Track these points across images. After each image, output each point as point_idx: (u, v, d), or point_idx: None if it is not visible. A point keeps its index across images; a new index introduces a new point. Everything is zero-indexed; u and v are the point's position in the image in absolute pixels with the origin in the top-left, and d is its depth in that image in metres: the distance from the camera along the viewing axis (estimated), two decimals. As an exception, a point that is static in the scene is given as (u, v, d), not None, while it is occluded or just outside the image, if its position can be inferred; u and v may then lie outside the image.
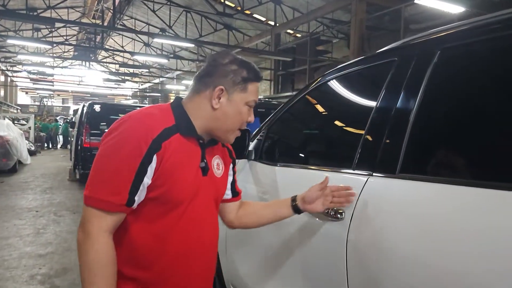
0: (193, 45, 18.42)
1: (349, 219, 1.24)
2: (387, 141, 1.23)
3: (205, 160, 1.15)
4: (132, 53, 16.69)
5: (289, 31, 16.62)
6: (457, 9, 7.78)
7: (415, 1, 7.12)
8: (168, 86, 29.30)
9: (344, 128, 1.70)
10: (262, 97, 15.70)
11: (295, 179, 1.66)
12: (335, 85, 1.73)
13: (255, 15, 16.37)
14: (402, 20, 10.31)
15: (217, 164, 1.24)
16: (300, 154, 1.94)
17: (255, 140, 2.03)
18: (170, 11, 17.15)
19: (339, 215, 1.28)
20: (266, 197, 1.78)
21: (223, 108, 1.13)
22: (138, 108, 1.66)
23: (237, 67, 1.13)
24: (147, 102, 33.01)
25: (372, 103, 1.37)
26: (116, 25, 15.47)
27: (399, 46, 1.42)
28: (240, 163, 2.05)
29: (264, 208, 1.42)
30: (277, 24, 15.15)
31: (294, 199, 1.37)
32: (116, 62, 26.34)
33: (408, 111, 1.20)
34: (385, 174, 1.21)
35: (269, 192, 1.78)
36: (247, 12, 15.46)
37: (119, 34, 22.83)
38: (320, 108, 1.91)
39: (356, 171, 1.33)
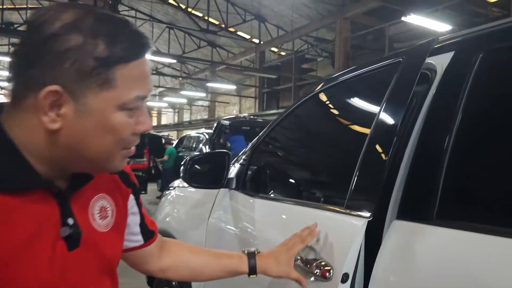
0: (175, 61, 18.16)
1: (349, 280, 0.89)
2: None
3: (71, 221, 0.65)
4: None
5: (273, 49, 16.56)
6: (443, 27, 7.72)
7: (402, 19, 7.00)
8: (149, 103, 28.78)
9: (335, 153, 1.38)
10: (246, 114, 15.51)
11: (289, 216, 1.31)
12: (325, 99, 1.42)
13: (239, 33, 16.28)
14: (387, 39, 10.26)
15: (100, 210, 0.73)
16: (294, 185, 1.58)
17: (238, 165, 1.67)
18: (153, 27, 16.91)
19: (327, 274, 0.94)
20: (250, 238, 1.42)
21: (72, 128, 0.60)
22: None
23: (83, 39, 0.57)
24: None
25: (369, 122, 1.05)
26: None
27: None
28: (219, 193, 1.68)
29: (204, 257, 0.99)
30: (262, 42, 15.05)
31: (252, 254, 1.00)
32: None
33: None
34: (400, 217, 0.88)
35: (254, 231, 1.42)
36: (231, 29, 15.34)
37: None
38: (314, 126, 1.58)
39: (347, 211, 1.00)
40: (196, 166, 1.62)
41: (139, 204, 0.88)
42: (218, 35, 15.12)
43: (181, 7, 14.27)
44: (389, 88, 1.06)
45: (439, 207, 0.87)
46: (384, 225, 0.96)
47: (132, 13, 16.29)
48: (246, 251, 1.01)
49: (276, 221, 1.36)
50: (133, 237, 0.87)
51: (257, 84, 15.81)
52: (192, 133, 10.40)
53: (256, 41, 15.36)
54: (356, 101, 1.43)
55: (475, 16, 10.38)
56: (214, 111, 20.26)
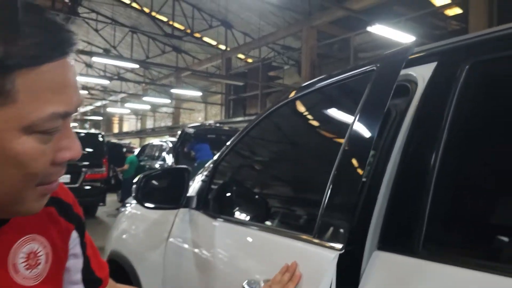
0: (138, 66, 17.66)
1: None
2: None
3: None
4: (71, 73, 15.53)
5: (240, 56, 16.47)
6: (407, 39, 7.90)
7: (367, 29, 7.09)
8: (110, 110, 27.83)
9: (304, 172, 1.24)
10: (212, 122, 15.28)
11: (254, 244, 1.16)
12: (299, 109, 1.28)
13: (205, 39, 16.07)
14: (352, 48, 10.43)
15: (27, 257, 0.55)
16: (260, 206, 1.42)
17: (199, 182, 1.51)
18: (115, 31, 16.38)
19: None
20: (211, 265, 1.25)
21: None
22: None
23: None
24: (87, 127, 31.13)
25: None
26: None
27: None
28: (179, 213, 1.51)
29: None
30: (228, 49, 14.92)
31: None
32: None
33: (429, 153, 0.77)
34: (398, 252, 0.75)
35: (216, 258, 1.25)
36: (197, 35, 15.12)
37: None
38: (282, 140, 1.44)
39: (317, 240, 0.87)
40: (151, 183, 1.45)
41: (83, 244, 0.69)
42: (183, 40, 14.84)
43: (144, 11, 13.90)
44: (362, 100, 0.94)
45: (425, 236, 0.76)
46: (363, 257, 0.84)
47: (93, 15, 15.71)
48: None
49: (240, 247, 1.21)
50: (72, 286, 0.67)
51: (224, 91, 15.64)
52: (155, 141, 10.04)
53: (223, 47, 15.22)
54: (328, 113, 1.31)
55: (435, 28, 10.79)
56: (178, 118, 19.85)
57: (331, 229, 0.87)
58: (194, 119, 22.42)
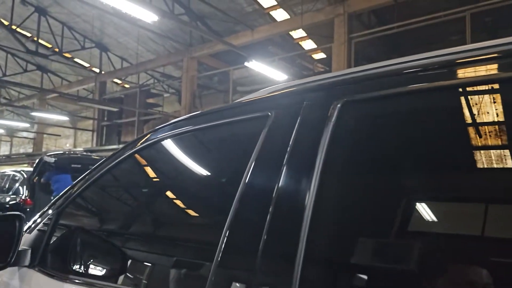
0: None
1: None
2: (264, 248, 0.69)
3: None
4: None
5: (116, 80, 15.58)
6: (280, 76, 8.47)
7: (245, 64, 7.38)
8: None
9: (185, 220, 1.08)
10: (81, 149, 13.89)
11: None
12: (169, 148, 1.13)
13: (77, 60, 14.81)
14: (231, 81, 10.76)
15: None
16: (114, 260, 1.17)
17: (35, 231, 1.20)
18: (-38, 41, 13.99)
19: None
20: None
21: None
22: None
23: None
24: None
25: (232, 183, 0.81)
26: None
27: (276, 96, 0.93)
28: (3, 276, 1.17)
29: None
30: (103, 72, 13.98)
31: None
32: None
33: (299, 199, 0.69)
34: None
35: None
36: (67, 55, 13.85)
37: None
38: (144, 181, 1.25)
39: None
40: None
41: None
42: (50, 59, 13.41)
43: (3, 23, 12.20)
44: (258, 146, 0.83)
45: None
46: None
47: None
48: None
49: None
50: None
51: (96, 116, 14.46)
52: (7, 170, 8.59)
53: (97, 70, 14.20)
54: (187, 158, 1.16)
55: (304, 69, 11.89)
56: (41, 144, 17.58)
57: None
58: (60, 146, 20.16)
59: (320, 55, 12.35)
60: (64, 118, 15.57)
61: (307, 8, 9.22)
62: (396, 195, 0.67)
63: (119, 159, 1.17)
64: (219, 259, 0.76)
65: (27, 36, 13.44)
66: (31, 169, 7.83)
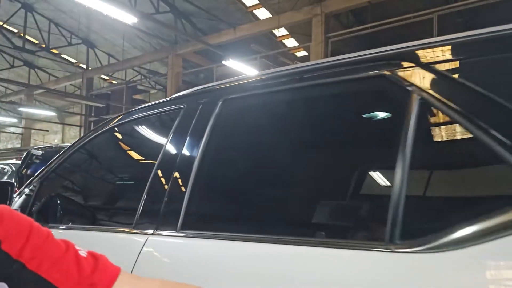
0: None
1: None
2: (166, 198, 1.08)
3: None
4: None
5: (103, 76, 15.80)
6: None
7: (223, 62, 7.77)
8: None
9: (127, 182, 1.49)
10: (68, 144, 14.10)
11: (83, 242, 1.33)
12: (121, 132, 1.53)
13: (64, 55, 15.00)
14: (215, 78, 11.11)
15: None
16: (82, 213, 1.58)
17: (23, 196, 1.59)
18: None
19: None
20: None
21: None
22: None
23: None
24: None
25: (156, 155, 1.21)
26: None
27: (187, 94, 1.33)
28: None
29: None
30: (90, 68, 14.21)
31: None
32: None
33: (189, 166, 1.09)
34: (166, 232, 1.04)
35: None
36: (54, 51, 14.03)
37: None
38: (103, 157, 1.65)
39: (136, 231, 1.11)
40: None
41: None
42: (37, 55, 13.59)
43: (-11, 18, 12.38)
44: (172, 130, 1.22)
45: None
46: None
47: None
48: None
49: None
50: None
51: (83, 112, 14.71)
52: (-4, 164, 8.87)
53: (84, 66, 14.43)
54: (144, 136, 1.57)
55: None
56: (29, 140, 17.74)
57: (145, 222, 1.11)
58: (48, 141, 20.28)
59: (303, 53, 12.77)
60: (52, 113, 15.76)
61: (287, 7, 9.60)
62: (248, 167, 1.08)
63: (86, 140, 1.57)
64: (141, 209, 1.16)
65: (14, 32, 13.60)
66: (19, 162, 8.13)
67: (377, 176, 0.84)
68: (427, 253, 0.58)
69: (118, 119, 1.56)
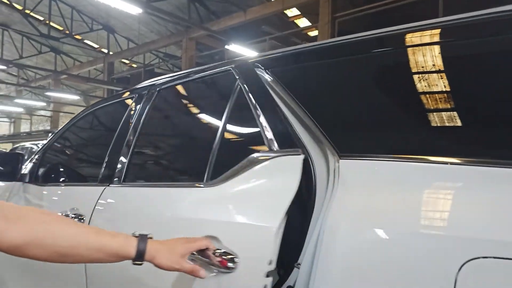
0: (5, 68, 16.34)
1: (88, 218, 1.47)
2: (121, 159, 1.54)
3: None
4: None
5: (124, 60, 16.45)
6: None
7: (225, 47, 8.11)
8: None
9: (98, 151, 1.98)
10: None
11: (61, 196, 1.82)
12: (93, 116, 2.01)
13: (86, 41, 15.70)
14: (226, 59, 11.45)
15: None
16: (68, 173, 2.08)
17: (31, 164, 2.10)
18: (-19, 26, 14.99)
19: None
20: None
21: None
22: None
23: None
24: None
25: (114, 132, 1.68)
26: None
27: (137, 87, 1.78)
28: (14, 187, 2.09)
29: (76, 231, 0.77)
30: (111, 53, 14.86)
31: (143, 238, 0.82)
32: None
33: (130, 138, 1.55)
34: (116, 184, 1.50)
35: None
36: (78, 37, 14.73)
37: None
38: (84, 132, 2.13)
39: (99, 183, 1.59)
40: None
41: None
42: (61, 42, 14.32)
43: (16, 7, 13.11)
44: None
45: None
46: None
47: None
48: (137, 233, 0.83)
49: (57, 199, 1.85)
50: None
51: (105, 95, 15.48)
52: (27, 144, 9.72)
53: (105, 51, 15.09)
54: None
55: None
56: (57, 122, 18.81)
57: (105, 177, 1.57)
58: (76, 124, 21.28)
59: (315, 33, 12.87)
60: (76, 97, 16.63)
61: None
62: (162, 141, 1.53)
63: (80, 117, 2.05)
64: (102, 169, 1.62)
65: (40, 20, 14.35)
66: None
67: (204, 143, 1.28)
68: (214, 186, 1.03)
69: (91, 106, 2.03)
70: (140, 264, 0.79)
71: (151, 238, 0.82)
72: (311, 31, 12.87)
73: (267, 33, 11.07)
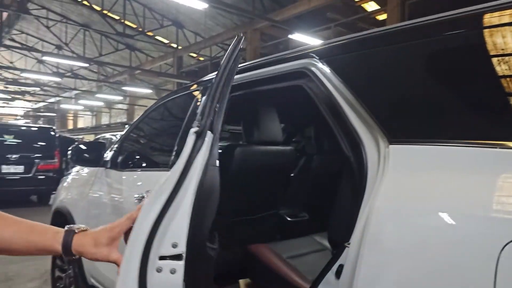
0: (88, 65, 17.84)
1: None
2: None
3: None
4: (21, 70, 15.56)
5: (192, 54, 17.12)
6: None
7: (289, 36, 8.08)
8: (64, 106, 27.59)
9: (167, 138, 2.14)
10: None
11: (137, 180, 2.03)
12: (164, 108, 2.18)
13: (157, 37, 16.58)
14: (290, 49, 11.41)
15: None
16: (143, 160, 2.29)
17: (112, 152, 2.34)
18: (67, 28, 16.51)
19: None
20: (117, 197, 2.10)
21: None
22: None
23: None
24: (41, 122, 30.50)
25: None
26: (2, 39, 14.39)
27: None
28: (98, 172, 2.35)
29: (13, 229, 0.80)
30: (180, 47, 15.54)
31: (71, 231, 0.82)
32: (4, 78, 24.01)
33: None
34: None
35: (117, 192, 2.11)
36: (149, 33, 15.61)
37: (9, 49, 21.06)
38: (153, 123, 2.32)
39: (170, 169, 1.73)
40: (81, 150, 2.27)
41: None
42: (135, 39, 15.29)
43: (95, 9, 14.24)
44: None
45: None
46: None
47: (44, 12, 15.78)
48: (66, 228, 0.84)
49: (134, 183, 2.06)
50: None
51: (175, 88, 16.29)
52: (107, 135, 10.64)
53: (174, 45, 15.83)
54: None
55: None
56: (133, 115, 20.22)
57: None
58: (149, 115, 22.66)
59: (383, 16, 12.28)
60: (149, 91, 17.70)
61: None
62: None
63: (151, 110, 2.24)
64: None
65: (116, 19, 15.44)
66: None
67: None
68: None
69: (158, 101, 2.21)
70: (74, 258, 0.82)
71: (84, 230, 0.82)
72: (380, 14, 12.30)
73: (333, 20, 10.82)
